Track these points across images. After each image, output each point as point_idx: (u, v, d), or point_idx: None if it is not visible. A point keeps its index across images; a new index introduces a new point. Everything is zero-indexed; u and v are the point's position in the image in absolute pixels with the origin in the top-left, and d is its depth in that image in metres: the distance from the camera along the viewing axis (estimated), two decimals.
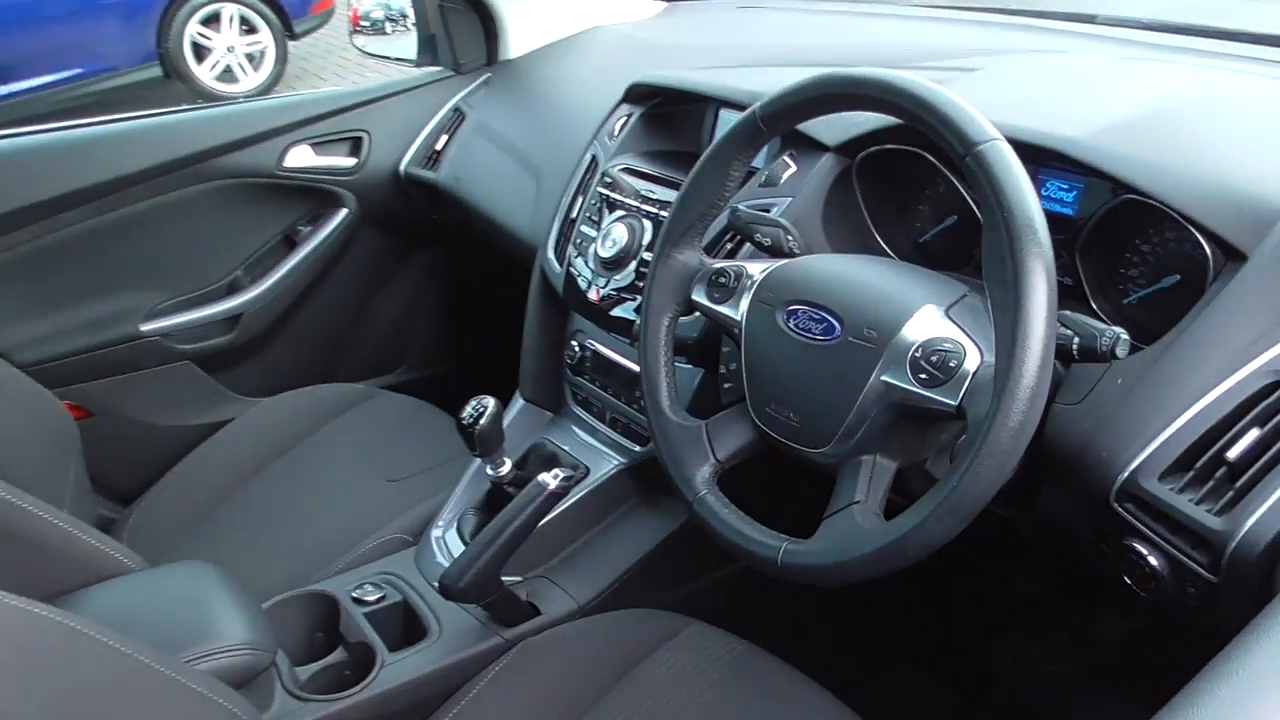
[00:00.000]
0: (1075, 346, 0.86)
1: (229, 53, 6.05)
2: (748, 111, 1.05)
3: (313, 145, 1.96)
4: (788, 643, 1.23)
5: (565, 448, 1.51)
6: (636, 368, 1.40)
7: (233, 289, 1.95)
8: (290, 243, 2.01)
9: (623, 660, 1.19)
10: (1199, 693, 0.53)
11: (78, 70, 5.63)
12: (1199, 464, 0.87)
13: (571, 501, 1.39)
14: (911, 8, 1.91)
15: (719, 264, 1.10)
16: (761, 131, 1.05)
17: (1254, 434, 0.85)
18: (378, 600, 1.31)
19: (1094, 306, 1.09)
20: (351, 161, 2.00)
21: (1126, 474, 0.90)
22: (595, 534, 1.41)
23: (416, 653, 1.24)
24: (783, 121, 1.04)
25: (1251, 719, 0.51)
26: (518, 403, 1.60)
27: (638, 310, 1.35)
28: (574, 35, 2.06)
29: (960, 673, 1.75)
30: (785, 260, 1.08)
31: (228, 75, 6.09)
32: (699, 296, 1.10)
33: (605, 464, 1.45)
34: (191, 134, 1.85)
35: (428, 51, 2.09)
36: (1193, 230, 0.94)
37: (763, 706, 1.14)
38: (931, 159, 1.19)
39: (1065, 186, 1.10)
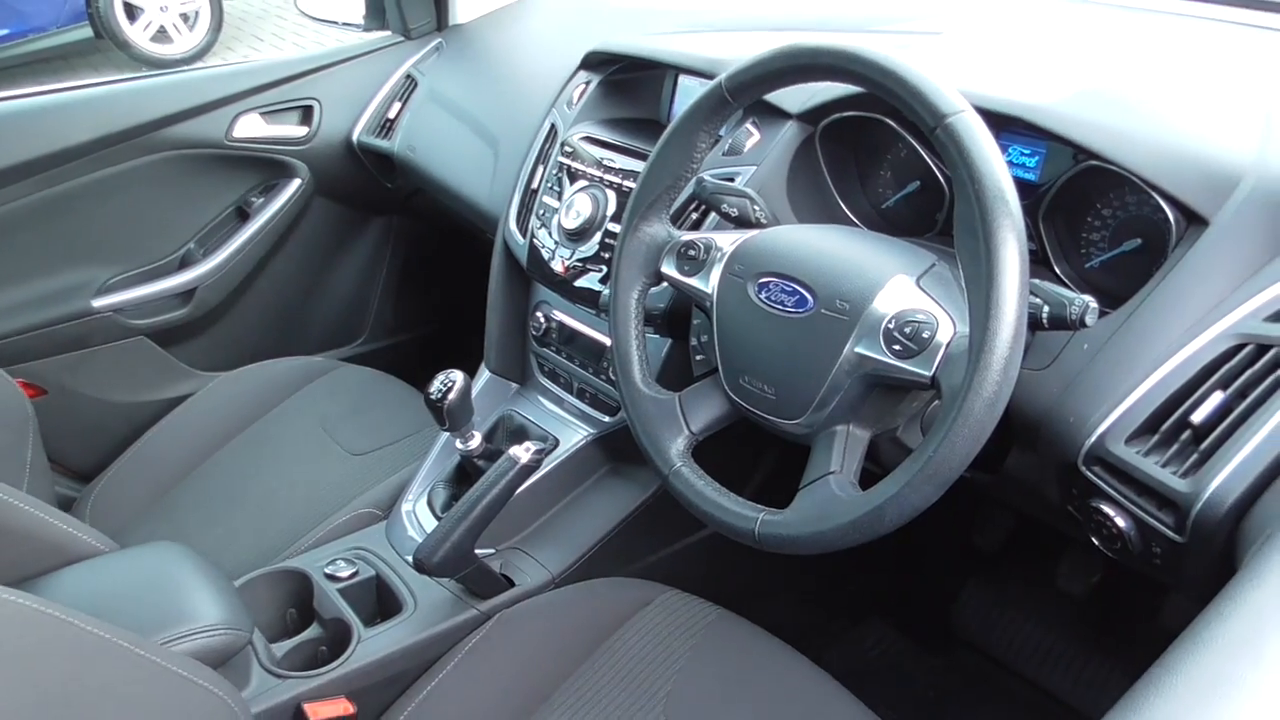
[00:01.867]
0: (1045, 315, 0.87)
1: (162, 12, 5.85)
2: (714, 83, 1.04)
3: (262, 114, 1.92)
4: (758, 603, 1.25)
5: (533, 419, 1.51)
6: (602, 338, 1.41)
7: (185, 263, 1.91)
8: (243, 214, 1.97)
9: (598, 629, 1.21)
10: (1177, 661, 0.54)
11: (3, 31, 5.43)
12: (1164, 427, 0.89)
13: (542, 473, 1.39)
14: None
15: (688, 236, 1.10)
16: (728, 103, 1.04)
17: (1218, 397, 0.87)
18: (351, 576, 1.31)
19: (1056, 271, 1.11)
20: (303, 131, 1.96)
21: (1094, 438, 0.92)
22: (566, 504, 1.42)
23: (392, 627, 1.24)
24: (749, 92, 1.03)
25: (1230, 688, 0.52)
26: (484, 375, 1.59)
27: (603, 281, 1.35)
28: None
29: (924, 628, 1.79)
30: (755, 231, 1.08)
31: (162, 36, 5.91)
32: (668, 269, 1.10)
33: (574, 435, 1.45)
34: (136, 104, 1.80)
35: (375, 15, 2.05)
36: (1155, 196, 0.96)
37: (736, 670, 1.16)
38: (894, 125, 1.19)
39: (1027, 151, 1.11)
